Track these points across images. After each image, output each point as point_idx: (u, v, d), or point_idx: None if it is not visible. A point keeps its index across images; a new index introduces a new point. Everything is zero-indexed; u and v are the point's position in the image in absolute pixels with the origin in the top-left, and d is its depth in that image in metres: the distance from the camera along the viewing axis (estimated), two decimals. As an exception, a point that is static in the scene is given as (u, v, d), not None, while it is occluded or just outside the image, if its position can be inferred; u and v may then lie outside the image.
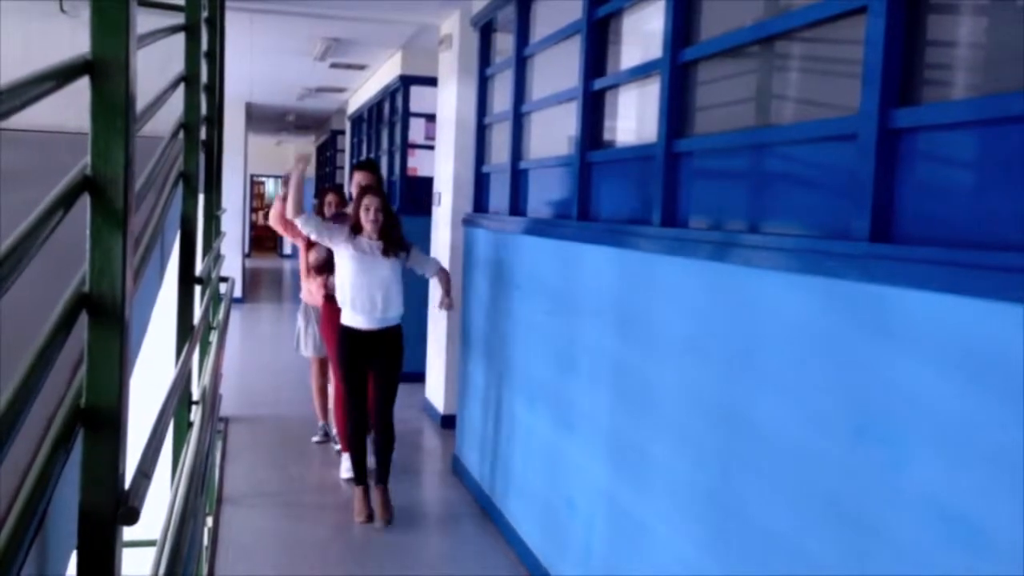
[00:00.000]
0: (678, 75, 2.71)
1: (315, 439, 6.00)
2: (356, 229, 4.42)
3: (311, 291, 5.68)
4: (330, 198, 5.71)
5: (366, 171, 5.07)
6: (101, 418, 1.03)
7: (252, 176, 20.91)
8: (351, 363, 4.53)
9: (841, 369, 1.86)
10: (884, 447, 1.72)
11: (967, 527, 1.51)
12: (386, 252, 4.41)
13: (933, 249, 1.66)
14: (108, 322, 1.03)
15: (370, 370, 4.58)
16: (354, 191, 4.86)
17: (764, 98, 2.49)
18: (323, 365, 5.85)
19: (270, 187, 25.77)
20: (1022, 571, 1.40)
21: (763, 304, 2.17)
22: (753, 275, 2.20)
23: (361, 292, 4.39)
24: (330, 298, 5.05)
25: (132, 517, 1.04)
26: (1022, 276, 1.41)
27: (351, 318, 4.48)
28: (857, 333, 1.81)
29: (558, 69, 3.87)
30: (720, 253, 2.36)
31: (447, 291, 4.58)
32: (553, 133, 4.08)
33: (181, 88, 2.51)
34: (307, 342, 5.84)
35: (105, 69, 1.04)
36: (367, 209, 4.37)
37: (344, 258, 4.43)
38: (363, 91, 10.66)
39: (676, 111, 2.72)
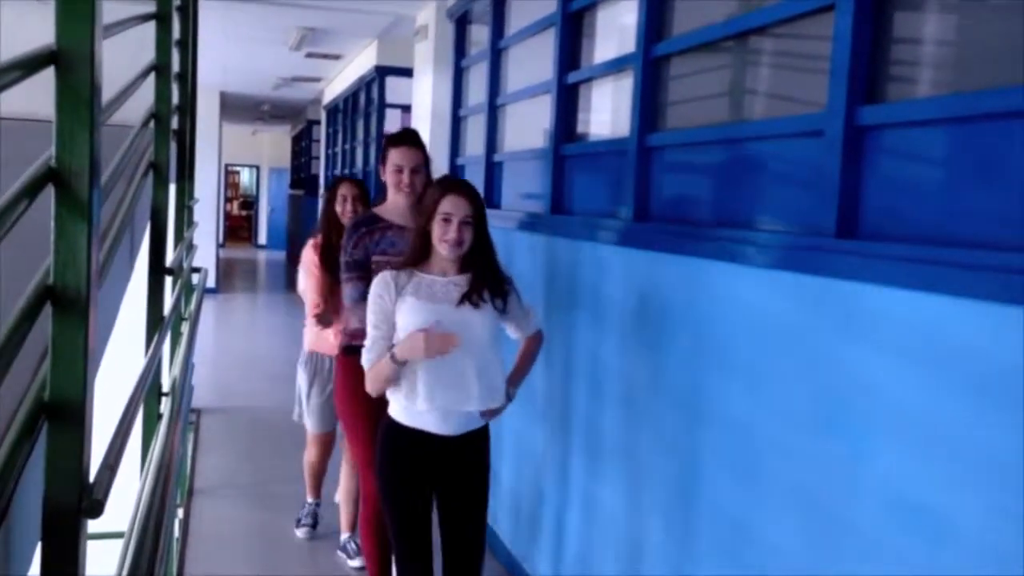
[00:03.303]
0: (651, 70, 2.72)
1: (299, 533, 4.25)
2: (419, 257, 2.61)
3: (320, 334, 3.91)
4: (344, 190, 3.88)
5: (415, 147, 3.20)
6: (65, 411, 1.02)
7: (227, 166, 20.79)
8: (410, 489, 2.64)
9: (808, 363, 1.89)
10: (850, 440, 1.74)
11: (930, 518, 1.53)
12: (475, 297, 2.56)
13: (898, 245, 1.68)
14: (72, 314, 1.02)
15: (438, 496, 2.71)
16: (390, 179, 3.19)
17: (736, 93, 2.51)
18: (326, 446, 4.18)
19: (245, 177, 25.63)
20: (982, 559, 1.43)
21: (732, 298, 2.19)
22: (722, 269, 2.22)
23: (438, 370, 2.50)
24: (353, 350, 2.99)
25: (96, 510, 1.03)
26: (986, 273, 1.43)
27: (413, 415, 2.57)
28: (823, 328, 1.84)
29: (533, 62, 3.87)
30: (690, 247, 2.38)
31: (520, 372, 2.81)
32: (528, 126, 4.09)
33: (152, 77, 2.50)
34: (309, 408, 4.05)
35: (70, 59, 1.03)
36: (446, 220, 2.52)
37: (403, 314, 2.55)
38: (339, 81, 10.62)
39: (648, 105, 2.73)
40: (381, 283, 2.59)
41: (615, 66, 3.07)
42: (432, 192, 2.61)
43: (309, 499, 4.35)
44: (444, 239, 2.52)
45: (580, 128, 3.47)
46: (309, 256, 3.90)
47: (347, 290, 3.09)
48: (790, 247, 1.96)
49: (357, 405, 3.12)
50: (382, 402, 2.67)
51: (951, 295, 1.50)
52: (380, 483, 2.69)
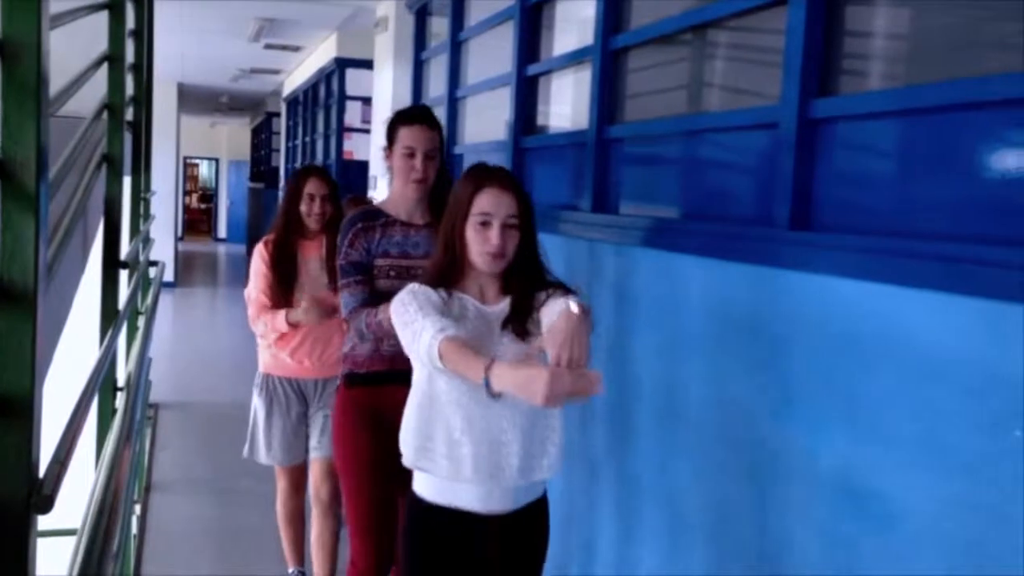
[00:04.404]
0: (609, 62, 2.73)
1: None
2: (446, 275, 2.01)
3: (276, 355, 3.31)
4: (313, 187, 3.28)
5: (430, 126, 2.62)
6: (13, 406, 1.01)
7: (185, 158, 20.53)
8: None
9: (761, 353, 1.91)
10: (804, 428, 1.76)
11: (881, 504, 1.56)
12: (519, 327, 1.99)
13: (850, 237, 1.71)
14: (19, 308, 1.01)
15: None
16: (398, 164, 2.61)
17: (693, 86, 2.52)
18: (296, 481, 3.45)
19: (204, 170, 25.30)
20: (930, 545, 1.46)
21: (688, 289, 2.21)
22: (679, 260, 2.24)
23: (467, 427, 1.92)
24: (356, 379, 2.61)
25: (47, 505, 1.02)
26: (938, 264, 1.46)
27: (443, 488, 1.97)
28: (777, 318, 1.86)
29: (494, 54, 3.87)
30: (647, 239, 2.40)
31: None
32: (488, 118, 4.08)
33: (106, 68, 2.46)
34: (269, 440, 3.34)
35: (16, 49, 1.02)
36: (485, 223, 1.94)
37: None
38: (299, 73, 10.53)
39: (607, 97, 2.74)
40: (421, 291, 1.93)
41: (574, 58, 3.08)
42: (463, 185, 1.99)
43: (290, 569, 3.51)
44: (483, 251, 1.93)
45: (540, 120, 3.47)
46: (259, 253, 3.31)
47: (344, 298, 2.52)
48: (745, 238, 1.98)
49: (358, 453, 2.55)
50: (389, 447, 2.08)
51: (903, 286, 1.52)
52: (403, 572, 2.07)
